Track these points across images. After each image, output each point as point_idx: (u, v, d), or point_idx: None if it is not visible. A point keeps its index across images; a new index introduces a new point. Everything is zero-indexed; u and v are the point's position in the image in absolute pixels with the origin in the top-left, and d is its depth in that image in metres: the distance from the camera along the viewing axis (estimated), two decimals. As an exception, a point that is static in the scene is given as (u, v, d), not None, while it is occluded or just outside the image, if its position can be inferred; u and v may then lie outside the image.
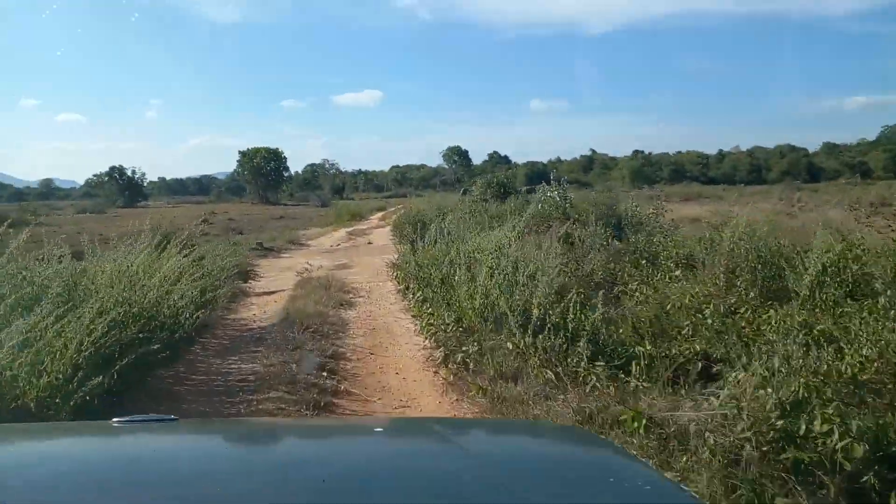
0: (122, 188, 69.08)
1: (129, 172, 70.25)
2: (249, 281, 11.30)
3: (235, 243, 17.74)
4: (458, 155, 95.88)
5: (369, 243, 19.05)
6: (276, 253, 16.79)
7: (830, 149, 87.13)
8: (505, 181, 27.84)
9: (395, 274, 10.12)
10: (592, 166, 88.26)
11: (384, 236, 21.32)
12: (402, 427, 2.17)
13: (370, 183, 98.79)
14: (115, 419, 1.60)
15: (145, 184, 76.00)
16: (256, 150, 71.69)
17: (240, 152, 73.00)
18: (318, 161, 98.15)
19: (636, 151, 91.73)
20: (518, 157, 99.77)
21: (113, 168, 69.94)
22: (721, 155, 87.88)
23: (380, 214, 36.76)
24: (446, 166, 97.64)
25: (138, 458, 1.43)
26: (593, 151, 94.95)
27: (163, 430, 1.67)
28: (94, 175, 71.22)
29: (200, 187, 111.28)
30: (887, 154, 74.13)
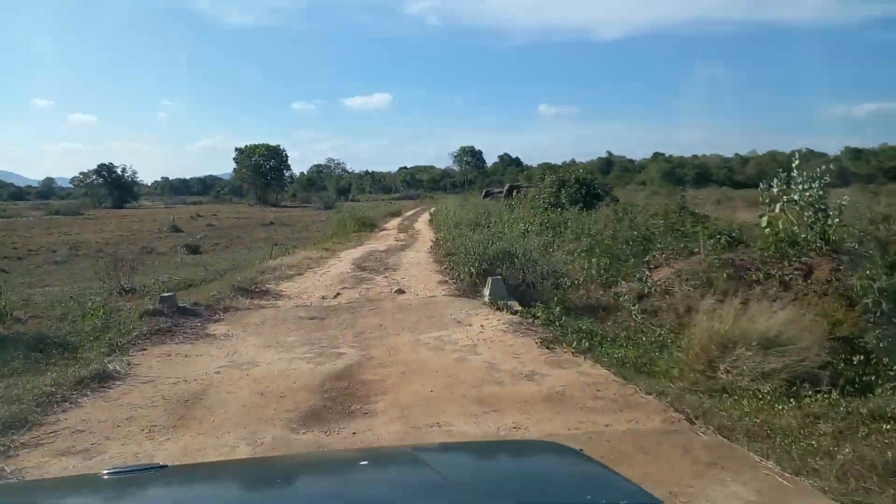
0: (111, 187, 59.14)
1: (118, 171, 60.15)
2: None
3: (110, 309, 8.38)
4: (471, 155, 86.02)
5: (399, 291, 9.41)
6: (204, 319, 7.37)
7: (855, 153, 79.12)
8: (589, 179, 18.29)
9: None
10: (611, 168, 78.68)
11: (420, 270, 11.60)
12: (386, 458, 1.94)
13: (377, 184, 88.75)
14: (104, 471, 1.54)
15: (140, 182, 66.40)
16: (255, 147, 61.98)
17: (237, 149, 63.24)
18: (323, 161, 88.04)
19: (656, 153, 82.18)
20: (529, 160, 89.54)
21: (101, 166, 60.03)
22: (743, 158, 79.43)
23: (396, 222, 27.18)
24: (456, 168, 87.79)
25: None
26: (610, 153, 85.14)
27: (153, 479, 1.59)
28: (81, 173, 61.08)
29: (204, 187, 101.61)
30: (920, 159, 68.42)
